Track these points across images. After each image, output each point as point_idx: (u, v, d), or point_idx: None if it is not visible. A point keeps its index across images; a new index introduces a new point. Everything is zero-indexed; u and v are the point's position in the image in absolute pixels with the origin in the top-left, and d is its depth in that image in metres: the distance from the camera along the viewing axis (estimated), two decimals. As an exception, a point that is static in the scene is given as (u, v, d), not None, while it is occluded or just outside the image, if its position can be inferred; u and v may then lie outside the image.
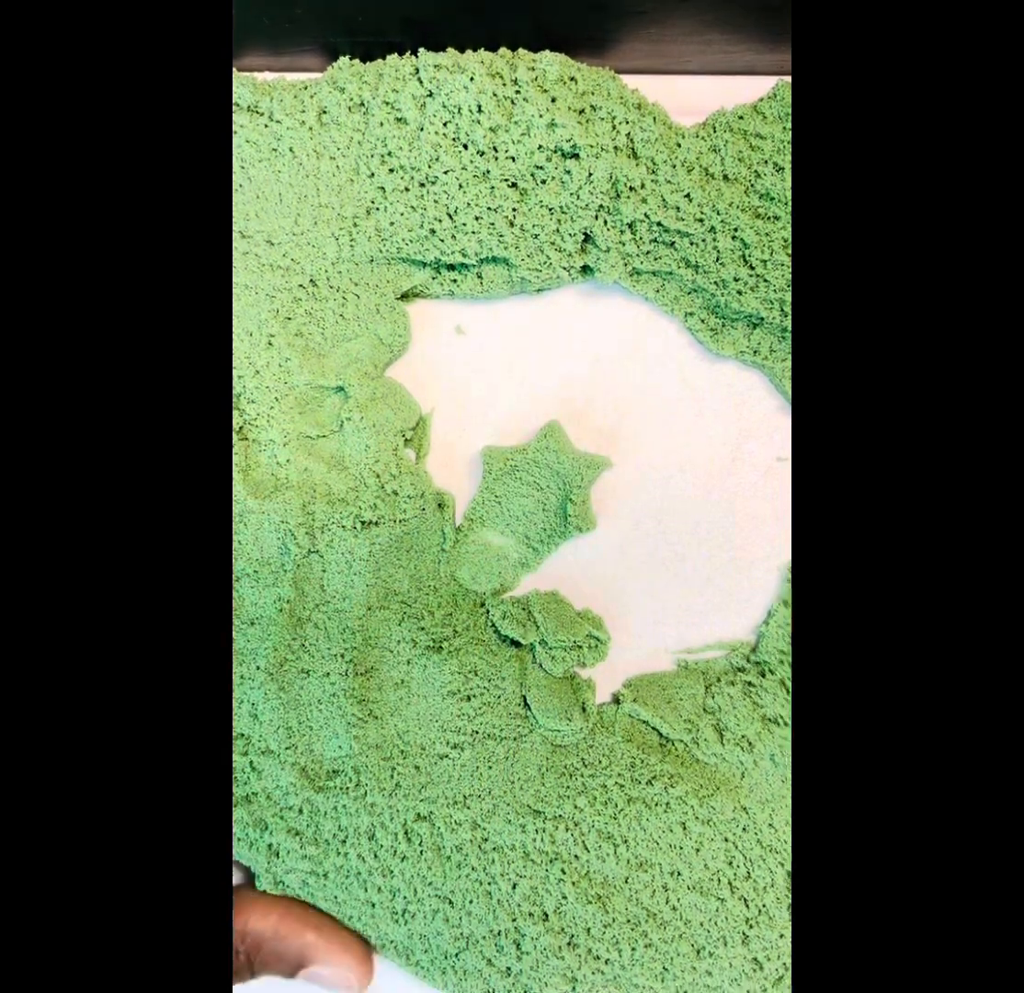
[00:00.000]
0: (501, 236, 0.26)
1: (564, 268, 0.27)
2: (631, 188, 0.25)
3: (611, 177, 0.25)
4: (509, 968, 0.25)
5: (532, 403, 0.29)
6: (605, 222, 0.26)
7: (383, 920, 0.25)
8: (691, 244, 0.26)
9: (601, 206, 0.26)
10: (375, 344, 0.27)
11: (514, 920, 0.25)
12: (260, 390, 0.26)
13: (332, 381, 0.27)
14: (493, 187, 0.26)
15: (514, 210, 0.26)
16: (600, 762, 0.25)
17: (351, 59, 0.26)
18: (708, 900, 0.25)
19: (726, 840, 0.25)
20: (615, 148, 0.25)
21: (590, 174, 0.25)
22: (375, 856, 0.25)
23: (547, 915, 0.25)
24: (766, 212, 0.25)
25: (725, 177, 0.25)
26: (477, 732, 0.25)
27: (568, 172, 0.25)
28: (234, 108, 0.27)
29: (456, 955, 0.25)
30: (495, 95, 0.25)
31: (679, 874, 0.25)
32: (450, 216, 0.26)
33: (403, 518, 0.26)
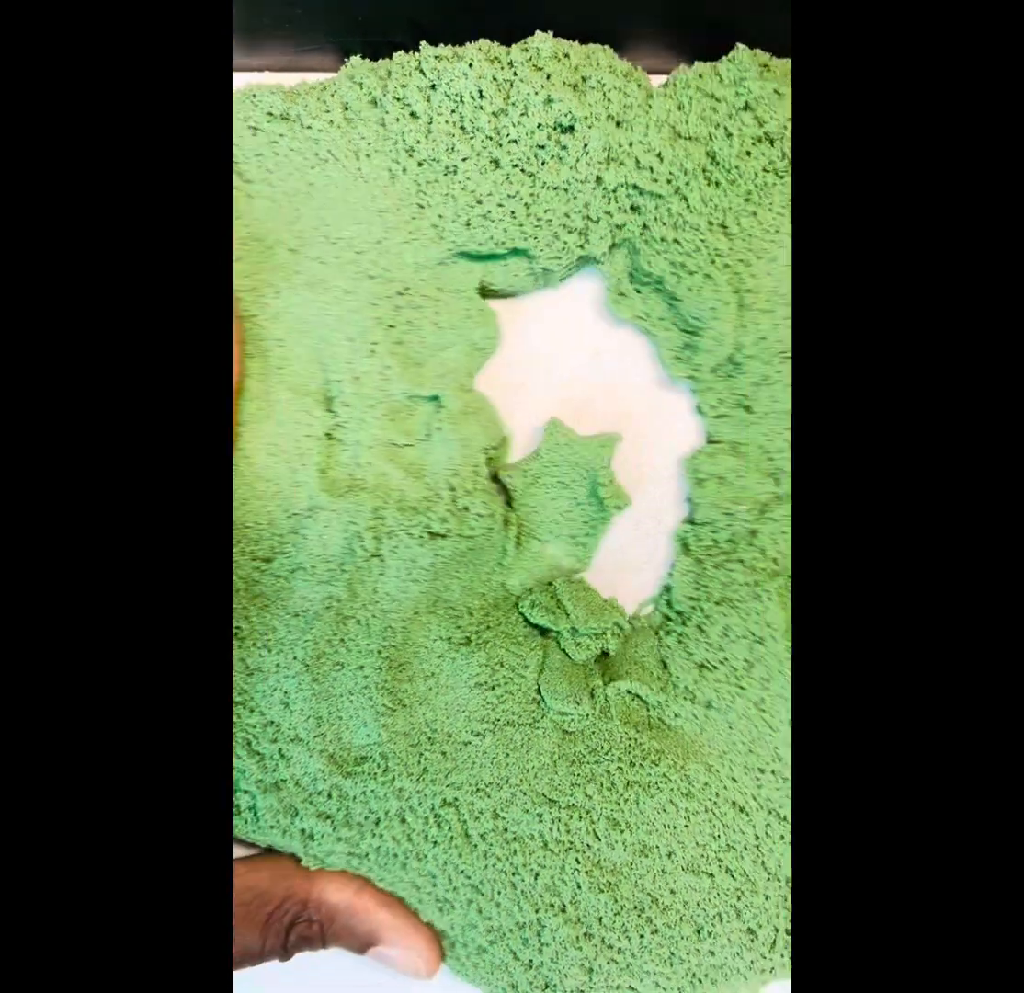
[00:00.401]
0: (521, 225, 0.26)
1: (580, 248, 0.27)
2: (614, 159, 0.26)
3: (605, 146, 0.25)
4: (531, 961, 0.25)
5: (533, 403, 0.29)
6: (594, 191, 0.26)
7: (429, 907, 0.25)
8: (656, 208, 0.26)
9: (598, 177, 0.26)
10: (469, 351, 0.28)
11: (537, 911, 0.25)
12: (357, 396, 0.27)
13: (428, 390, 0.27)
14: (508, 174, 0.26)
15: (532, 194, 0.26)
16: (602, 747, 0.26)
17: (362, 58, 0.27)
18: (700, 879, 0.25)
19: (707, 811, 0.25)
20: (608, 117, 0.25)
21: (585, 145, 0.25)
22: (409, 839, 0.25)
23: (565, 906, 0.25)
24: (712, 177, 0.26)
25: (690, 137, 0.26)
26: (498, 720, 0.26)
27: (565, 147, 0.26)
28: (269, 118, 0.27)
29: (488, 947, 0.25)
30: (495, 79, 0.25)
31: (673, 855, 0.25)
32: (479, 202, 0.26)
33: (471, 535, 0.26)
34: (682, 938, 0.25)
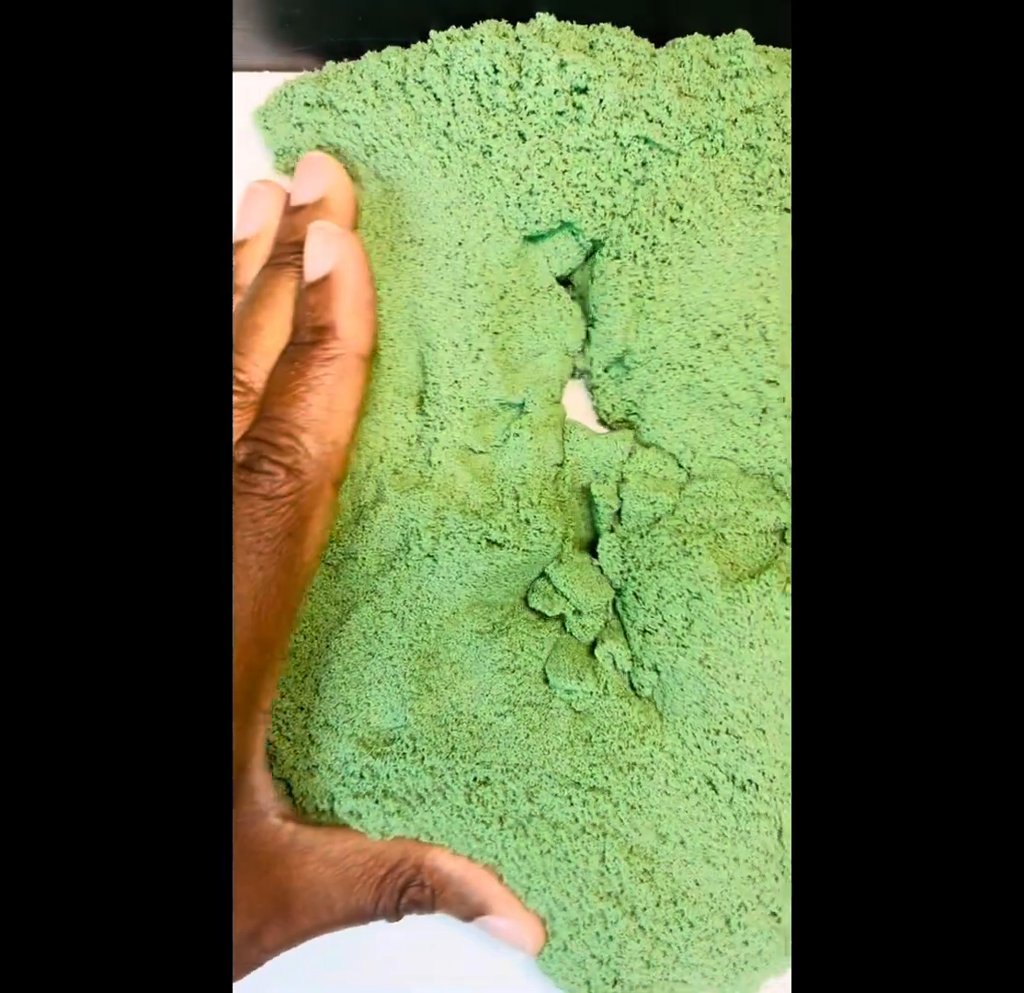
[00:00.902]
0: (562, 194, 0.26)
1: (615, 210, 0.27)
2: (627, 114, 0.26)
3: (620, 100, 0.26)
4: (601, 956, 0.25)
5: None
6: (614, 147, 0.26)
7: (517, 886, 0.25)
8: (662, 169, 0.26)
9: (615, 133, 0.26)
10: (561, 356, 0.28)
11: (600, 900, 0.25)
12: (452, 399, 0.27)
13: (519, 397, 0.27)
14: (537, 145, 0.26)
15: (563, 160, 0.26)
16: (605, 725, 0.26)
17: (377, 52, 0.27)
18: (717, 869, 0.25)
19: (695, 792, 0.25)
20: (620, 74, 0.26)
21: (601, 100, 0.26)
22: (460, 816, 0.25)
23: (617, 897, 0.25)
24: (705, 140, 0.26)
25: (690, 94, 0.26)
26: (518, 701, 0.26)
27: (582, 108, 0.26)
28: (307, 109, 0.27)
29: (568, 943, 0.25)
30: (507, 53, 0.26)
31: (685, 843, 0.25)
32: (521, 179, 0.26)
33: (528, 548, 0.26)
34: (717, 931, 0.24)
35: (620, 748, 0.25)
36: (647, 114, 0.26)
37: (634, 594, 0.26)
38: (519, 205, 0.26)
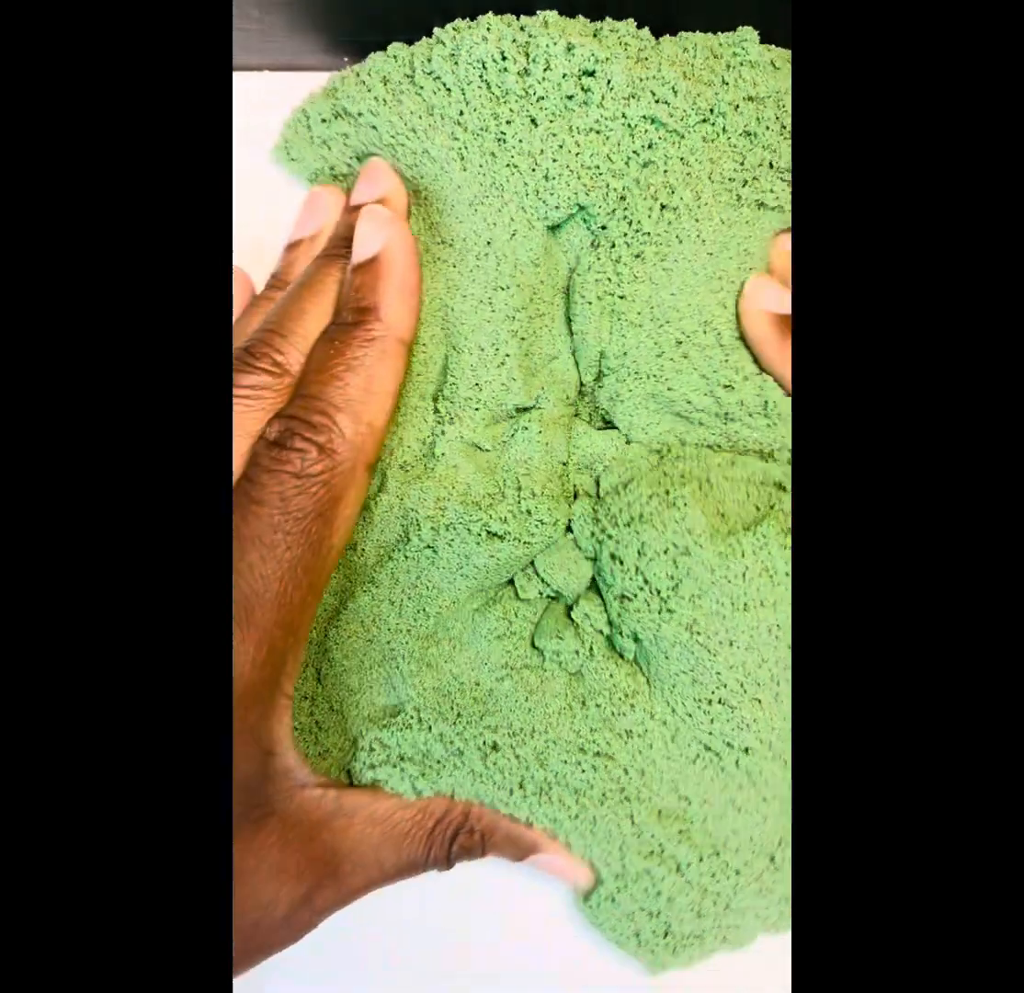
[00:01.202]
0: (578, 177, 0.26)
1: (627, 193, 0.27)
2: (634, 95, 0.26)
3: (628, 81, 0.26)
4: (651, 909, 0.25)
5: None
6: (623, 128, 0.26)
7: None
8: (665, 153, 0.26)
9: (623, 114, 0.26)
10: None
11: (644, 858, 0.24)
12: (469, 400, 0.26)
13: (534, 400, 0.27)
14: (548, 130, 0.26)
15: (576, 143, 0.26)
16: (596, 688, 0.25)
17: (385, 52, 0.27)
18: (749, 815, 0.24)
19: (698, 758, 0.24)
20: (627, 57, 0.26)
21: (609, 81, 0.26)
22: (480, 780, 0.25)
23: (659, 855, 0.24)
24: (709, 125, 0.26)
25: (695, 79, 0.26)
26: (515, 665, 0.25)
27: (590, 90, 0.26)
28: (325, 124, 0.28)
29: (616, 895, 0.25)
30: (514, 41, 0.26)
31: (707, 801, 0.24)
32: (536, 164, 0.26)
33: (530, 541, 0.25)
34: (762, 871, 0.24)
35: (613, 714, 0.25)
36: (654, 95, 0.26)
37: (611, 555, 0.25)
38: (537, 193, 0.26)
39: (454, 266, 0.27)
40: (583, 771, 0.24)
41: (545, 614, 0.26)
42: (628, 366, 0.26)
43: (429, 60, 0.26)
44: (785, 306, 0.25)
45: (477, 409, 0.26)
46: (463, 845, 0.24)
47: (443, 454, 0.26)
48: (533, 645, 0.26)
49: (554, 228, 0.27)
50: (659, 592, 0.24)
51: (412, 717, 0.25)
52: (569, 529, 0.26)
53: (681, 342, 0.26)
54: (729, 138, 0.26)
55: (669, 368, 0.26)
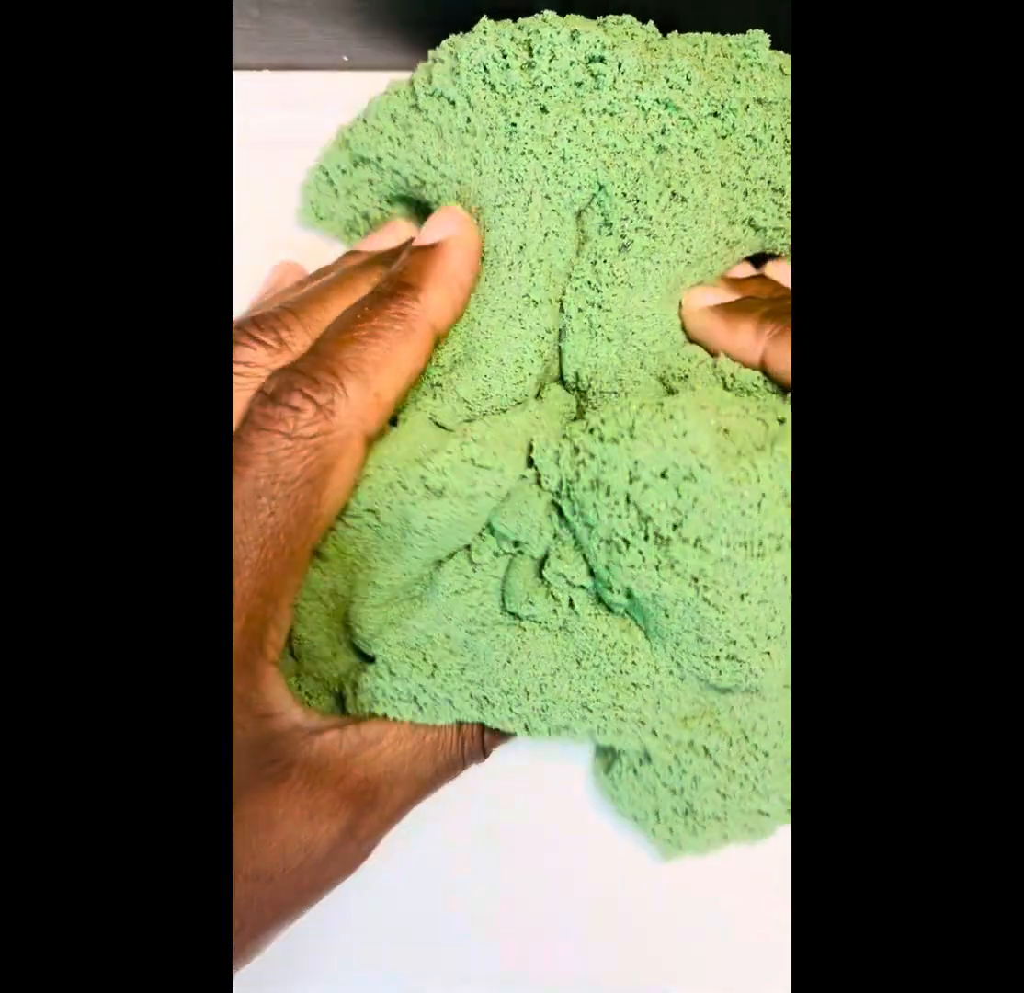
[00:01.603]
0: (596, 154, 0.25)
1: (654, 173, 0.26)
2: (647, 79, 0.25)
3: (639, 65, 0.25)
4: (674, 786, 0.24)
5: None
6: (637, 111, 0.26)
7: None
8: (679, 141, 0.26)
9: (636, 96, 0.25)
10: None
11: (671, 749, 0.24)
12: (462, 403, 0.25)
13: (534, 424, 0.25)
14: (560, 114, 0.25)
15: (590, 123, 0.25)
16: (589, 649, 0.23)
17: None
18: (774, 701, 0.24)
19: (709, 694, 0.24)
20: (635, 45, 0.26)
21: (620, 64, 0.25)
22: (483, 717, 0.24)
23: (688, 744, 0.24)
24: (715, 127, 0.26)
25: (708, 72, 0.26)
26: (486, 621, 0.24)
27: (601, 75, 0.25)
28: (343, 173, 0.27)
29: (639, 768, 0.24)
30: (513, 39, 0.25)
31: (730, 703, 0.24)
32: (553, 147, 0.25)
33: (472, 493, 0.22)
34: (791, 754, 0.24)
35: (614, 671, 0.22)
36: (667, 80, 0.25)
37: (593, 482, 0.20)
38: (557, 175, 0.25)
39: (485, 279, 0.25)
40: (589, 722, 0.23)
41: (510, 572, 0.23)
42: (603, 387, 0.25)
43: (429, 81, 0.26)
44: (722, 298, 0.25)
45: (469, 420, 0.25)
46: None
47: (404, 421, 0.24)
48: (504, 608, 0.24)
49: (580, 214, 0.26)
50: (659, 534, 0.20)
51: (384, 668, 0.23)
52: (524, 479, 0.23)
53: (640, 352, 0.25)
54: (738, 139, 0.26)
55: (628, 380, 0.25)
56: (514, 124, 0.25)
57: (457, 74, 0.25)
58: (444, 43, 0.26)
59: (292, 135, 0.30)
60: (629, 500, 0.20)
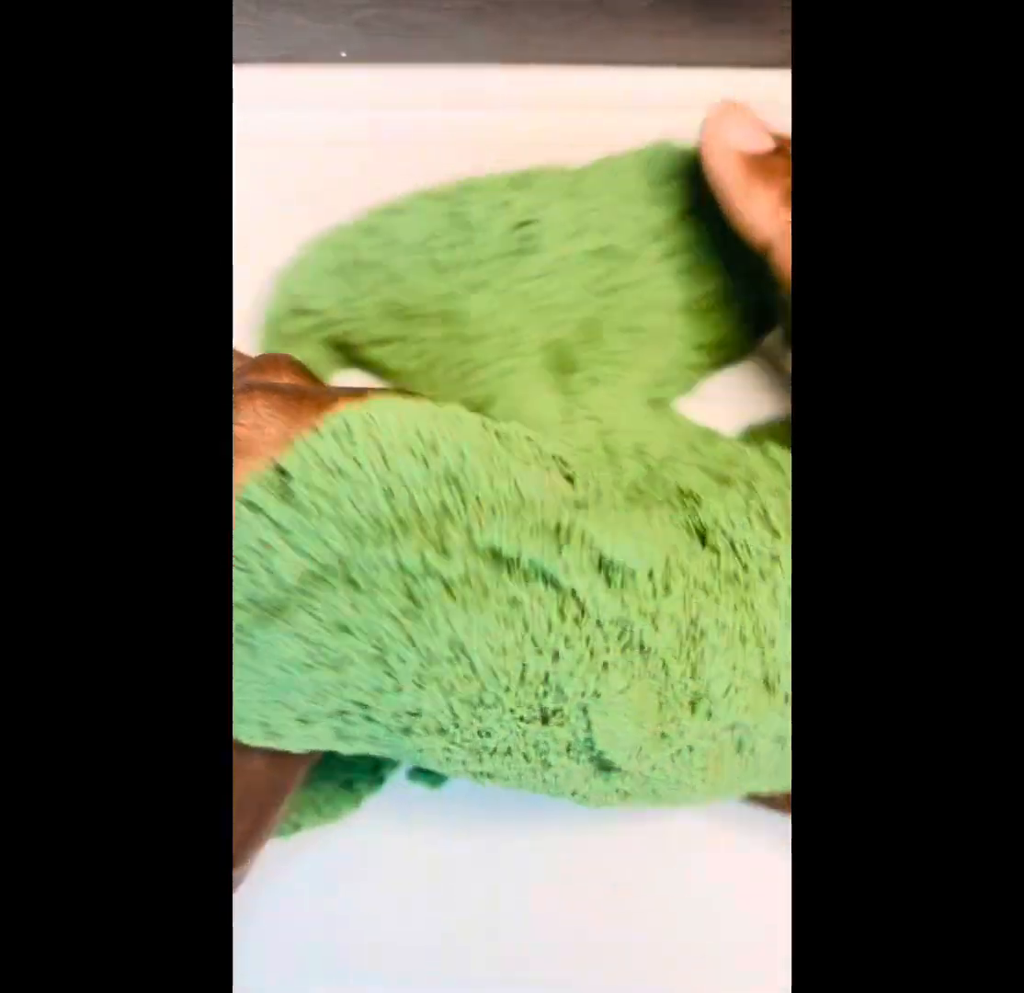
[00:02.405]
0: (545, 315, 0.26)
1: None
2: (577, 231, 0.26)
3: (569, 219, 0.26)
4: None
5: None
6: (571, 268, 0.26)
7: None
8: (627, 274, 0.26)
9: (569, 255, 0.26)
10: None
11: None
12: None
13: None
14: (499, 293, 0.26)
15: (524, 291, 0.26)
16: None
17: None
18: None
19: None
20: (562, 195, 0.26)
21: (548, 223, 0.26)
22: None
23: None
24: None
25: (634, 201, 0.26)
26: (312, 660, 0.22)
27: (532, 237, 0.26)
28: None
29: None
30: (448, 215, 0.26)
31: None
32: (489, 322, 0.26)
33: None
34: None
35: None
36: (598, 227, 0.26)
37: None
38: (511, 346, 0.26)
39: None
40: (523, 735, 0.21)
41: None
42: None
43: (356, 248, 0.27)
44: (756, 144, 0.23)
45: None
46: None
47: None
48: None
49: None
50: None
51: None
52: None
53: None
54: (683, 256, 0.26)
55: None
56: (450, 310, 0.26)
57: (393, 247, 0.26)
58: (377, 211, 0.27)
59: (290, 132, 0.31)
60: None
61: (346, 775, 0.26)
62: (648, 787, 0.22)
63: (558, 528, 0.20)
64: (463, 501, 0.20)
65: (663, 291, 0.26)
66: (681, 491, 0.23)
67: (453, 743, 0.20)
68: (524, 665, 0.20)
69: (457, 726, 0.20)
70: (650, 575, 0.20)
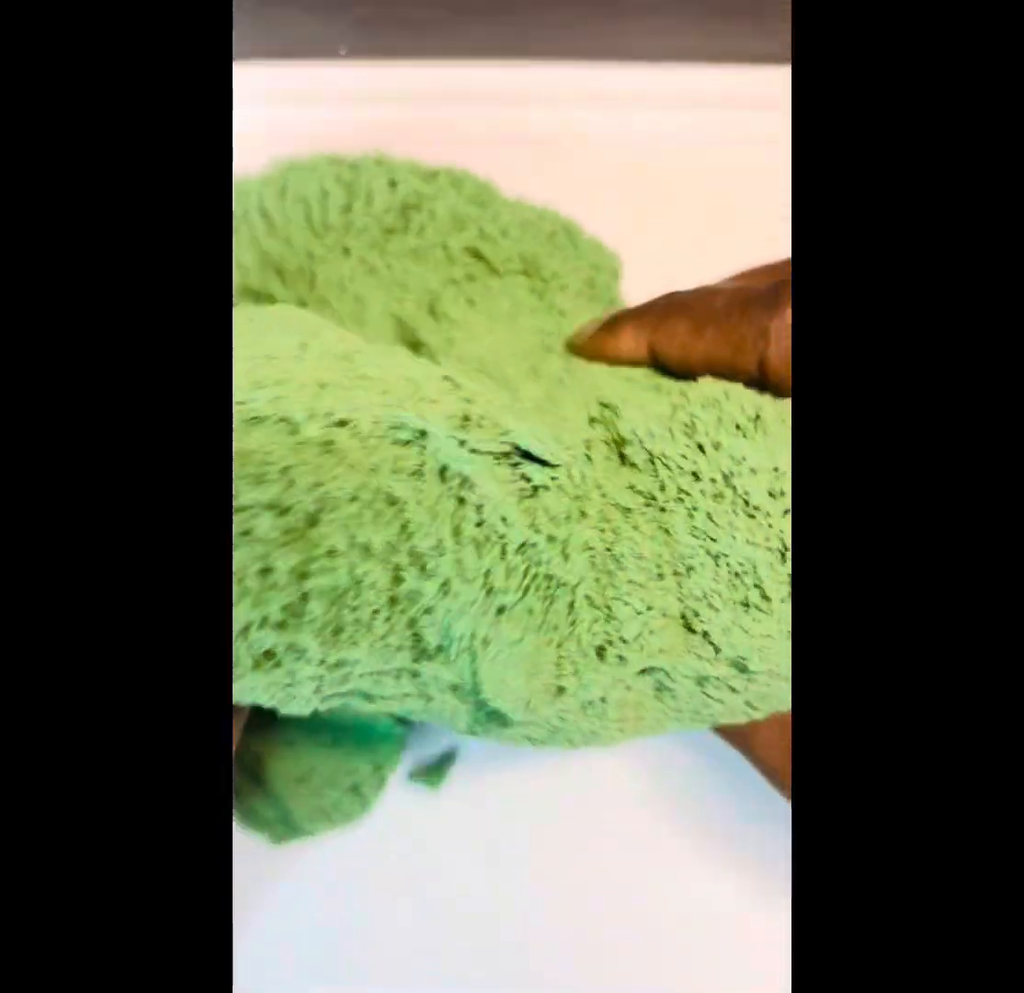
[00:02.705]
0: (391, 292, 0.26)
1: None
2: (460, 228, 0.26)
3: (453, 214, 0.26)
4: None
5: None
6: (441, 257, 0.27)
7: None
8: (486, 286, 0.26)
9: (444, 244, 0.26)
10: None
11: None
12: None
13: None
14: (360, 257, 0.26)
15: (389, 266, 0.26)
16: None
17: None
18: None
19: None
20: (457, 193, 0.27)
21: (433, 212, 0.26)
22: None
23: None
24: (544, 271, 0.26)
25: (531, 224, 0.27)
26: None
27: (410, 220, 0.26)
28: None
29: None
30: (338, 179, 0.27)
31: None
32: (356, 297, 0.26)
33: None
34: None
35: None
36: (481, 230, 0.26)
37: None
38: (352, 316, 0.26)
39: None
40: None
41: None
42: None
43: (261, 198, 0.27)
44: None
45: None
46: None
47: None
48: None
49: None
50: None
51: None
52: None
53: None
54: (550, 298, 0.26)
55: None
56: (314, 271, 0.26)
57: (282, 199, 0.27)
58: (282, 164, 0.27)
59: (288, 128, 0.30)
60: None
61: (350, 780, 0.26)
62: (560, 736, 0.20)
63: (466, 417, 0.17)
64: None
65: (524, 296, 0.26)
66: (600, 402, 0.21)
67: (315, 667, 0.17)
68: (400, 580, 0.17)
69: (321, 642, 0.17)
70: (563, 488, 0.18)
